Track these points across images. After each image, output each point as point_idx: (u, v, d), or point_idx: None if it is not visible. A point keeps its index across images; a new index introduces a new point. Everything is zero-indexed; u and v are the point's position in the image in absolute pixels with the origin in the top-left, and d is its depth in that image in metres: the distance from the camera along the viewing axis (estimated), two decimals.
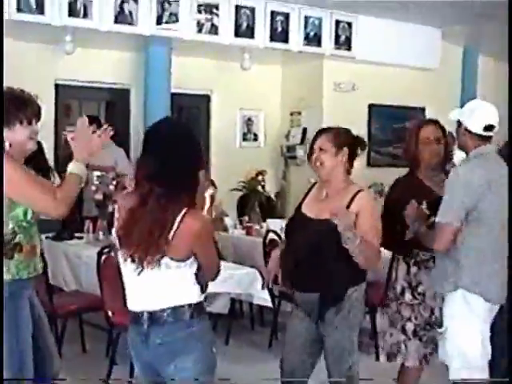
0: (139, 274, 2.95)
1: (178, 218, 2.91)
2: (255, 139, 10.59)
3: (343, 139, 3.94)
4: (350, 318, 3.85)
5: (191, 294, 3.04)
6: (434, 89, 10.29)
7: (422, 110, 10.60)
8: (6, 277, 3.49)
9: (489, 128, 3.94)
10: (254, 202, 7.97)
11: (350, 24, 9.15)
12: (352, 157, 3.95)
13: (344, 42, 9.13)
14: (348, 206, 3.79)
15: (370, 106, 10.10)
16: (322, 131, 4.02)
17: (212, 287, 4.26)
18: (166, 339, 2.98)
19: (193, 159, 3.03)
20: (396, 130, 10.45)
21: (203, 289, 3.11)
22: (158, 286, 2.98)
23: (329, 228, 3.71)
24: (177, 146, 2.98)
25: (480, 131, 3.94)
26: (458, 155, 4.49)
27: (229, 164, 9.76)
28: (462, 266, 3.92)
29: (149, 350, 3.00)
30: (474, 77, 10.90)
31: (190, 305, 3.01)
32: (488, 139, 3.98)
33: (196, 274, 3.04)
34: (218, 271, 3.22)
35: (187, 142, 3.04)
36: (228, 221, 7.55)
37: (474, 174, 3.89)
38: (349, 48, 9.19)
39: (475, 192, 3.83)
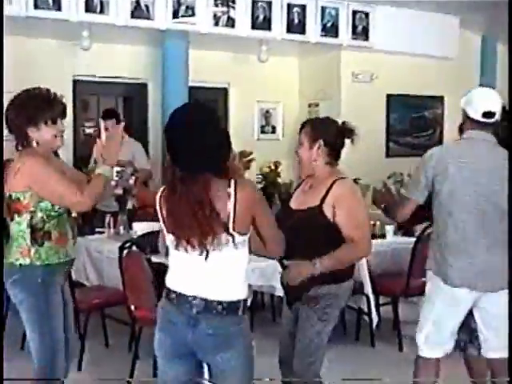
0: (206, 258, 2.97)
1: (231, 191, 2.94)
2: (273, 131, 10.57)
3: (318, 131, 3.89)
4: (323, 315, 3.85)
5: (244, 289, 3.08)
6: (453, 78, 10.22)
7: (441, 99, 10.55)
8: (37, 262, 3.78)
9: (488, 114, 3.94)
10: (273, 194, 7.97)
11: (367, 14, 9.08)
12: (334, 147, 3.88)
13: (361, 32, 9.07)
14: (324, 198, 3.77)
15: (389, 96, 10.06)
16: (303, 125, 4.01)
17: None
18: (218, 331, 3.00)
19: (219, 136, 3.05)
20: (415, 120, 10.42)
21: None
22: (222, 272, 3.00)
23: (307, 216, 3.80)
24: (204, 126, 2.99)
25: (479, 117, 3.95)
26: None
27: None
28: (431, 247, 4.11)
29: (195, 336, 3.01)
30: (492, 65, 10.82)
31: (244, 300, 3.05)
32: (487, 126, 3.96)
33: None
34: (282, 245, 3.26)
35: (213, 122, 3.06)
36: None
37: (433, 155, 3.99)
38: (366, 38, 9.13)
39: (430, 173, 3.94)
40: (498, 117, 3.97)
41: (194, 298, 3.00)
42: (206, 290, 3.00)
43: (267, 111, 10.46)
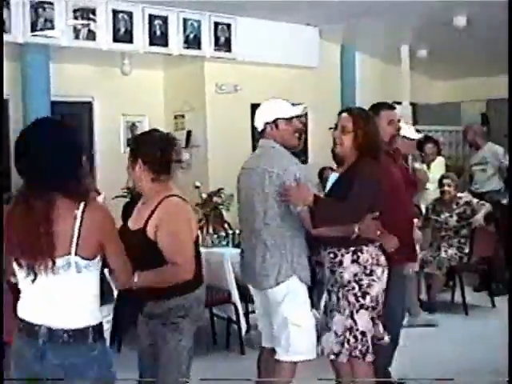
0: (33, 281, 2.84)
1: (78, 213, 2.83)
2: None
3: (136, 150, 3.85)
4: (176, 328, 3.79)
5: (94, 314, 2.96)
6: (315, 86, 10.46)
7: (305, 107, 10.74)
8: None
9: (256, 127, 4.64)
10: None
11: (228, 26, 9.19)
12: (154, 163, 3.79)
13: (224, 43, 9.18)
14: (148, 219, 3.69)
15: (253, 106, 10.16)
16: None
17: None
18: (66, 362, 2.86)
19: (64, 152, 2.92)
20: None
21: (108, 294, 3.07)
22: (64, 296, 2.86)
23: (134, 237, 3.70)
24: (51, 142, 2.90)
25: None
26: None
27: (114, 171, 9.61)
28: None
29: (43, 367, 2.87)
30: (352, 73, 11.14)
31: (93, 327, 2.92)
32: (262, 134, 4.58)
33: (101, 279, 2.99)
34: (130, 275, 3.20)
35: (56, 137, 2.94)
36: None
37: None
38: (229, 49, 9.23)
39: None
40: (258, 127, 4.58)
41: (40, 327, 2.87)
42: (50, 318, 2.87)
43: (133, 124, 10.37)
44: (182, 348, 3.81)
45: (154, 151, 3.78)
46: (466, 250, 7.90)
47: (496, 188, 9.12)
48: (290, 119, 4.52)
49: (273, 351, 4.52)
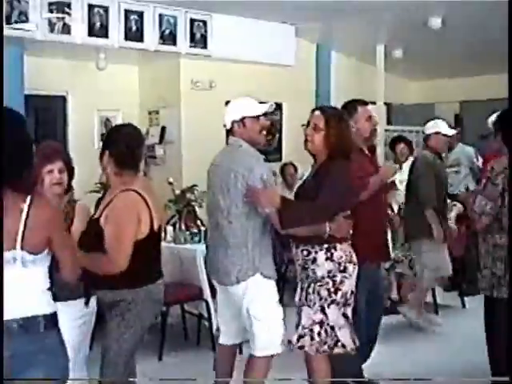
0: None
1: (25, 207, 2.80)
2: None
3: (105, 141, 4.09)
4: (121, 321, 3.89)
5: (45, 303, 2.94)
6: (291, 85, 10.49)
7: (280, 105, 10.77)
8: None
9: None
10: None
11: (204, 22, 9.17)
12: (118, 157, 3.93)
13: (199, 40, 9.14)
14: (104, 210, 3.86)
15: (228, 104, 10.15)
16: None
17: None
18: (17, 352, 2.81)
19: (13, 146, 2.84)
20: None
21: (56, 295, 3.04)
22: (12, 291, 2.81)
23: (90, 226, 3.89)
24: None
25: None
26: None
27: (87, 165, 9.56)
28: None
29: None
30: (327, 72, 11.17)
31: (44, 316, 2.90)
32: (228, 132, 4.70)
33: (50, 275, 2.97)
34: (76, 270, 3.15)
35: (9, 129, 2.85)
36: None
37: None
38: (204, 46, 9.20)
39: None
40: (226, 125, 4.65)
41: None
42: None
43: (107, 119, 10.31)
44: (123, 340, 3.88)
45: (121, 146, 3.91)
46: None
47: (470, 189, 9.17)
48: (257, 117, 4.56)
49: (232, 347, 4.70)
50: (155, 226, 3.95)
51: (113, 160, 3.91)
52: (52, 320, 2.95)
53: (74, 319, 4.04)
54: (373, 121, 5.15)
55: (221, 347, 4.77)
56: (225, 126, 4.65)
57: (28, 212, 2.81)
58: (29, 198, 2.83)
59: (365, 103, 5.26)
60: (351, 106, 5.17)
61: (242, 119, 4.53)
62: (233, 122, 4.56)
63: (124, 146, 3.92)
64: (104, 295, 3.97)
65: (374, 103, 11.37)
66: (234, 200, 4.34)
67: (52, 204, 3.02)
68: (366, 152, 5.20)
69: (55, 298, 3.06)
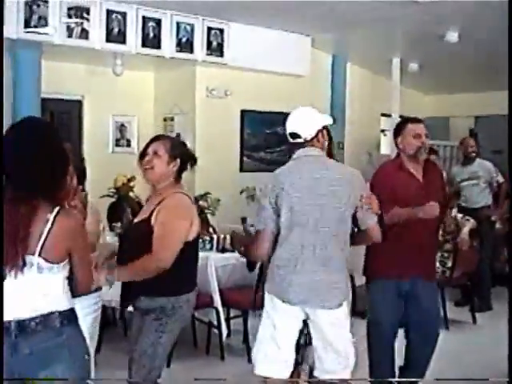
0: (4, 279, 2.85)
1: (51, 217, 2.87)
2: (128, 145, 10.49)
3: (177, 150, 4.10)
4: (159, 326, 3.92)
5: (61, 300, 2.98)
6: (305, 95, 10.46)
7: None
8: None
9: (293, 135, 4.18)
10: (126, 209, 7.91)
11: (221, 31, 9.21)
12: (183, 167, 4.12)
13: (216, 48, 9.18)
14: (154, 209, 3.89)
15: (243, 112, 10.20)
16: (158, 137, 4.18)
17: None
18: (36, 348, 2.88)
19: (53, 157, 2.96)
20: (268, 136, 10.60)
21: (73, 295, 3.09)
22: (28, 293, 2.89)
23: (137, 227, 3.93)
24: (35, 145, 2.92)
25: (290, 139, 4.20)
26: None
27: (101, 170, 9.61)
28: (269, 267, 4.16)
29: (18, 361, 2.88)
30: (342, 83, 11.19)
31: (60, 312, 2.95)
32: (298, 145, 4.16)
33: (69, 279, 3.00)
34: (90, 285, 3.22)
35: (46, 141, 2.97)
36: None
37: (269, 181, 4.10)
38: (221, 54, 9.24)
39: (272, 197, 4.02)
40: (307, 136, 4.14)
41: (10, 322, 2.88)
42: (18, 312, 2.89)
43: (122, 124, 10.38)
44: (158, 344, 3.92)
45: (188, 156, 4.16)
46: (449, 265, 7.92)
47: (487, 203, 9.13)
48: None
49: None
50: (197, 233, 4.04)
51: (178, 167, 4.06)
52: (68, 317, 3.00)
53: (84, 315, 4.09)
54: (420, 139, 5.10)
55: None
56: (299, 136, 4.16)
57: (53, 222, 2.87)
58: (57, 209, 2.90)
59: (418, 121, 5.26)
60: (401, 122, 5.29)
61: (324, 128, 4.27)
62: (318, 132, 4.20)
63: (192, 157, 4.18)
64: (143, 302, 3.98)
65: (389, 116, 11.40)
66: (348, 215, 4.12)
67: (77, 218, 3.05)
68: (411, 170, 5.11)
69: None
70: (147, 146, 4.10)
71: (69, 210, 3.01)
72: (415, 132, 5.10)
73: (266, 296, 4.16)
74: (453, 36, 9.16)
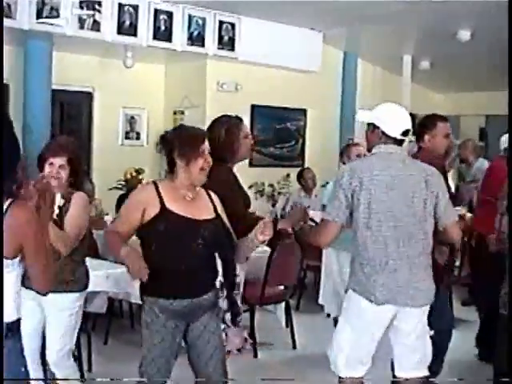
0: None
1: (3, 211, 2.67)
2: (138, 138, 10.50)
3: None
4: (219, 321, 3.88)
5: (8, 311, 2.78)
6: (316, 91, 10.49)
7: (304, 111, 10.78)
8: None
9: (406, 133, 4.06)
10: None
11: (233, 25, 9.21)
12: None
13: (227, 42, 9.19)
14: (215, 208, 3.85)
15: (253, 107, 10.19)
16: (204, 133, 3.89)
17: (90, 286, 4.28)
18: None
19: (9, 148, 2.81)
20: (278, 131, 10.60)
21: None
22: None
23: (219, 226, 3.80)
24: None
25: (398, 135, 4.02)
26: None
27: (111, 162, 9.66)
28: (351, 265, 4.03)
29: None
30: (353, 80, 11.19)
31: (6, 324, 2.76)
32: (401, 142, 4.06)
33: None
34: (49, 281, 2.96)
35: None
36: (108, 219, 7.47)
37: (345, 172, 3.97)
38: (232, 49, 9.25)
39: (348, 190, 3.88)
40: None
41: None
42: None
43: (132, 117, 10.39)
44: (220, 337, 3.87)
45: None
46: (457, 264, 7.89)
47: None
48: None
49: None
50: None
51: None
52: (10, 329, 2.82)
53: (59, 309, 4.15)
54: (450, 138, 5.03)
55: None
56: (393, 138, 4.04)
57: (4, 214, 2.69)
58: (8, 201, 2.72)
59: (446, 120, 5.12)
60: (431, 120, 5.06)
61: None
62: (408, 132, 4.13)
63: None
64: (209, 299, 3.82)
65: None
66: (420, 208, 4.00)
67: (28, 211, 2.81)
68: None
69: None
70: (200, 143, 3.78)
71: (19, 203, 2.77)
72: (446, 132, 4.99)
73: (351, 296, 4.01)
74: (465, 34, 9.15)
